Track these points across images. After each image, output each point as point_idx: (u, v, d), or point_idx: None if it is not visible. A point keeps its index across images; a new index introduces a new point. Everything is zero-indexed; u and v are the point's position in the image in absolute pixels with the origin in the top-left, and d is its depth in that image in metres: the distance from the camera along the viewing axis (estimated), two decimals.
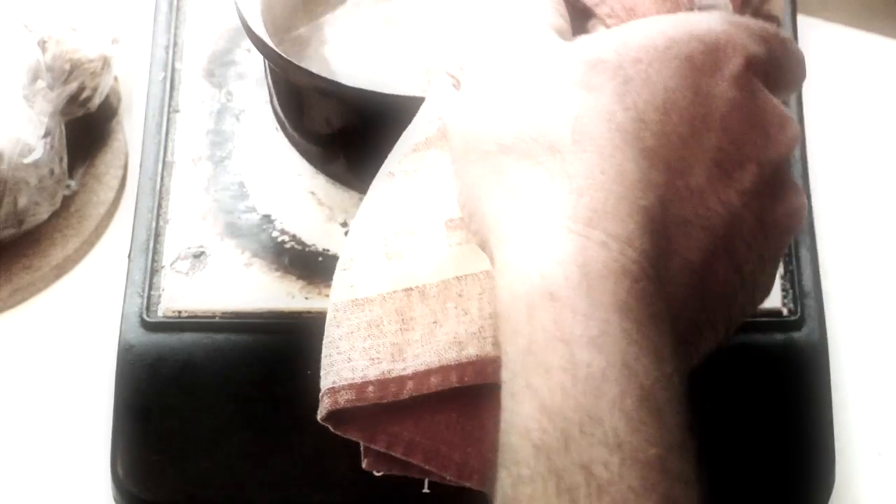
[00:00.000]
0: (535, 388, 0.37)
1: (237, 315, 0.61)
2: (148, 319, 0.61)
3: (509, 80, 0.42)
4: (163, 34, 0.72)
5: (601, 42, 0.43)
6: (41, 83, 0.70)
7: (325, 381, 0.47)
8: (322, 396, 0.47)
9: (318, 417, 0.47)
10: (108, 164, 0.75)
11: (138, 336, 0.61)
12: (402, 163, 0.48)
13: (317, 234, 0.64)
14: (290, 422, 0.59)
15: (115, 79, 0.76)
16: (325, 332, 0.47)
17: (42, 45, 0.71)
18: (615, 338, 0.37)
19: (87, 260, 0.72)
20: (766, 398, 0.60)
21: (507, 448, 0.37)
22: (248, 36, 0.61)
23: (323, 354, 0.47)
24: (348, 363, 0.46)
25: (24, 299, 0.70)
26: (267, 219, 0.64)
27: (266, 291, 0.62)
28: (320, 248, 0.63)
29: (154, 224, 0.64)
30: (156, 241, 0.64)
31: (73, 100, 0.72)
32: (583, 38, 0.44)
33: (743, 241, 0.42)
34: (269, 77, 0.65)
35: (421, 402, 0.46)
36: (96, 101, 0.73)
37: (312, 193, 0.65)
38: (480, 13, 0.46)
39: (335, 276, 0.48)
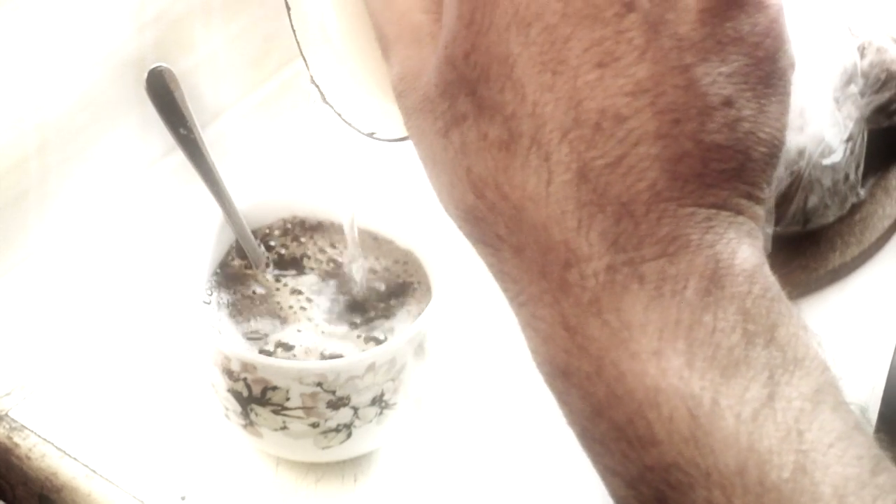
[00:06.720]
0: None
1: None
2: None
3: (422, 157, 0.38)
4: None
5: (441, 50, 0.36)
6: (853, 88, 0.70)
7: None
8: None
9: None
10: None
11: None
12: None
13: None
14: None
15: None
16: None
17: (861, 50, 0.70)
18: None
19: (864, 270, 0.71)
20: None
21: None
22: None
23: None
24: None
25: (798, 296, 0.70)
26: None
27: None
28: None
29: None
30: None
31: (881, 109, 0.71)
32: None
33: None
34: None
35: None
36: None
37: None
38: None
39: None
